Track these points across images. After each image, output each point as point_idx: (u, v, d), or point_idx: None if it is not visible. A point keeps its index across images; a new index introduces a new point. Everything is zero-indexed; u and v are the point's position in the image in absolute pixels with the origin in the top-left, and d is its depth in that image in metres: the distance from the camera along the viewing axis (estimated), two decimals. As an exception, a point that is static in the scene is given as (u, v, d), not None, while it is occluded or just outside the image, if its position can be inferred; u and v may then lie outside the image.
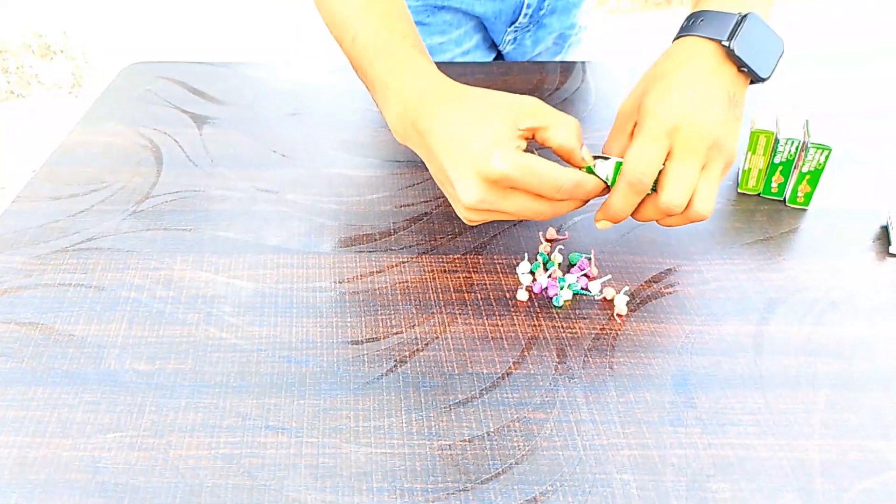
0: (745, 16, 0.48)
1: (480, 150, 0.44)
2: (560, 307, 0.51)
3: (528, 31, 0.87)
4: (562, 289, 0.51)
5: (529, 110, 0.46)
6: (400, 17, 0.53)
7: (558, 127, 0.46)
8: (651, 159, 0.46)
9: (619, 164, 0.47)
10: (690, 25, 0.50)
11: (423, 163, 0.67)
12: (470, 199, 0.45)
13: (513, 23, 0.85)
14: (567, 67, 0.84)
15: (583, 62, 0.86)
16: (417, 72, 0.50)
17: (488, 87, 0.80)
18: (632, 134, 0.50)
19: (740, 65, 0.48)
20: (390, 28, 0.52)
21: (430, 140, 0.47)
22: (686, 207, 0.47)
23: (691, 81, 0.47)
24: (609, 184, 0.48)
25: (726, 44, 0.47)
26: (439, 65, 0.83)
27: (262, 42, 2.68)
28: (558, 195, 0.45)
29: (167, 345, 0.48)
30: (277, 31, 2.74)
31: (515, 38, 0.88)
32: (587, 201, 0.48)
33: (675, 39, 0.51)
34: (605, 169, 0.48)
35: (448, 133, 0.46)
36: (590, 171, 0.48)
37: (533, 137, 0.47)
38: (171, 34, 2.69)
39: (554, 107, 0.71)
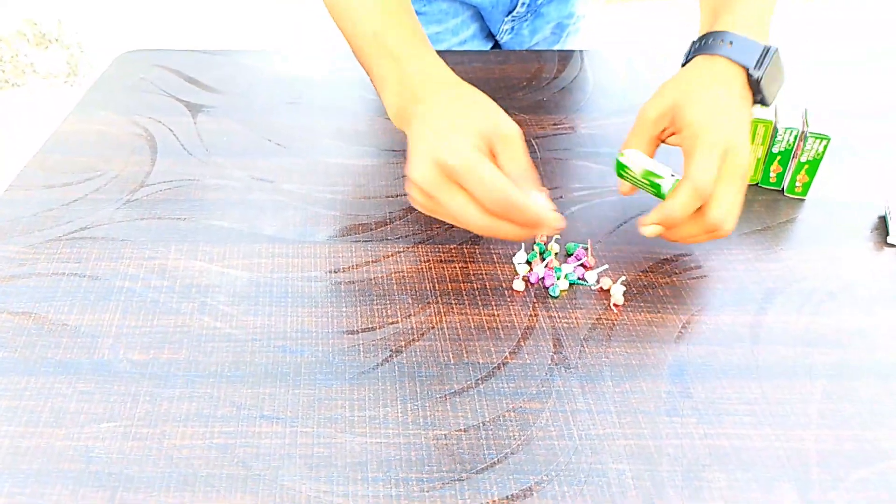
0: (768, 48, 0.51)
1: (441, 139, 0.45)
2: (556, 297, 0.51)
3: (526, 20, 0.87)
4: (558, 279, 0.51)
5: (504, 137, 0.46)
6: (400, 3, 0.55)
7: (511, 168, 0.46)
8: (714, 172, 0.48)
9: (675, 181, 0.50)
10: (717, 45, 0.52)
11: (419, 152, 0.66)
12: (414, 175, 0.46)
13: (510, 12, 0.84)
14: (565, 56, 0.83)
15: (581, 51, 0.85)
16: (420, 56, 0.52)
17: (486, 77, 0.80)
18: (658, 138, 0.53)
19: (757, 92, 0.52)
20: (391, 13, 0.53)
21: (414, 123, 0.48)
22: None
23: (732, 106, 0.50)
24: (661, 196, 0.50)
25: (753, 73, 0.50)
26: (442, 52, 0.82)
27: (258, 30, 2.66)
28: (492, 206, 0.44)
29: (161, 334, 0.48)
30: (273, 20, 2.72)
31: (513, 28, 0.87)
32: (532, 233, 0.46)
33: (699, 55, 0.53)
34: (667, 184, 0.50)
35: (429, 119, 0.47)
36: (653, 186, 0.51)
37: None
38: (166, 23, 2.67)
39: (552, 96, 0.70)
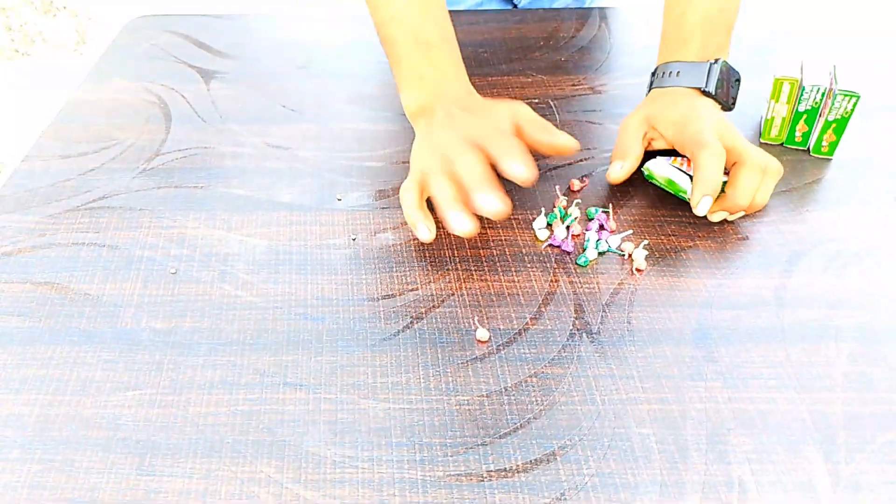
0: (712, 64, 0.56)
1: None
2: (585, 266, 0.50)
3: None
4: (585, 249, 0.50)
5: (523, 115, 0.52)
6: (437, 7, 0.56)
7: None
8: (750, 149, 0.52)
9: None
10: (667, 77, 0.58)
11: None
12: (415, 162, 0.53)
13: None
14: (583, 14, 0.81)
15: (599, 9, 0.83)
16: (443, 72, 0.55)
17: (502, 37, 0.78)
18: (643, 144, 0.57)
19: (716, 100, 0.57)
20: (425, 17, 0.55)
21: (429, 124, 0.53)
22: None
23: (699, 104, 0.55)
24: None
25: (705, 89, 0.56)
26: (453, 14, 0.80)
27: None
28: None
29: (183, 303, 0.48)
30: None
31: None
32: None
33: (655, 88, 0.59)
34: (688, 186, 0.53)
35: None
36: (677, 191, 0.54)
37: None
38: (173, -12, 2.63)
39: (570, 56, 0.69)
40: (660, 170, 0.53)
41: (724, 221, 0.53)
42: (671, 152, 0.57)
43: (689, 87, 0.57)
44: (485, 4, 0.85)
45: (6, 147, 1.92)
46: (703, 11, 0.57)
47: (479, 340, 0.45)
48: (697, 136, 0.52)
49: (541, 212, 0.54)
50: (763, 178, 0.51)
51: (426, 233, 0.49)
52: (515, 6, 0.88)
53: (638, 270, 0.50)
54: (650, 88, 0.60)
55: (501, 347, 0.45)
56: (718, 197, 0.51)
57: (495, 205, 0.45)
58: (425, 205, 0.51)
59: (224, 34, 0.79)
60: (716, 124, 0.53)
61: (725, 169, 0.52)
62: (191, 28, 0.80)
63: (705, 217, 0.53)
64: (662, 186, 0.54)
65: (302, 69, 0.73)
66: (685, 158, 0.55)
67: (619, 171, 0.55)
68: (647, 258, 0.50)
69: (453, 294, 0.48)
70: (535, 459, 0.38)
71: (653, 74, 0.60)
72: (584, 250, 0.51)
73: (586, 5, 0.90)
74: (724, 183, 0.52)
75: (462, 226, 0.46)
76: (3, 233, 0.53)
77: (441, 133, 0.51)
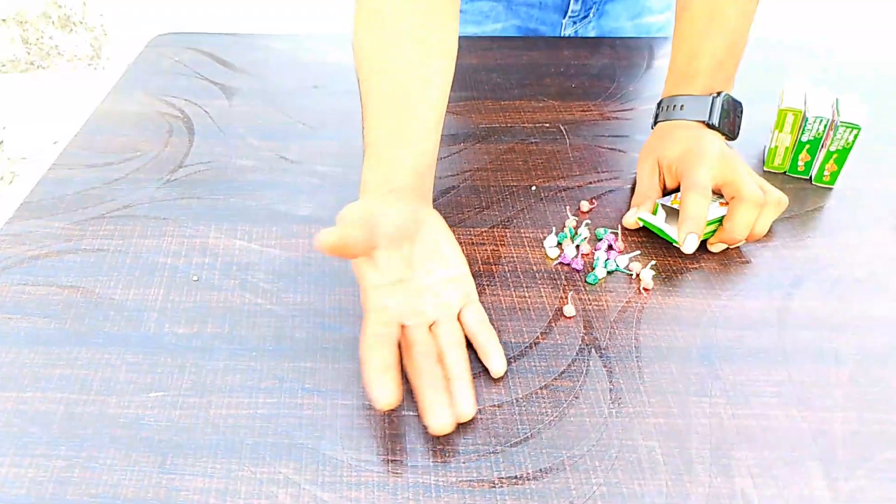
0: (715, 98, 0.58)
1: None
2: (594, 284, 0.52)
3: (590, 21, 0.84)
4: (595, 267, 0.52)
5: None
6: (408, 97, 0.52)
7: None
8: (751, 183, 0.54)
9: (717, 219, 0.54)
10: (671, 111, 0.60)
11: (450, 136, 0.67)
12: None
13: (566, 12, 0.82)
14: (592, 44, 0.84)
15: (608, 38, 0.85)
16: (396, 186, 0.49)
17: (514, 63, 0.80)
18: (660, 188, 0.58)
19: (720, 132, 0.58)
20: (397, 115, 0.52)
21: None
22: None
23: (702, 135, 0.57)
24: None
25: (709, 122, 0.58)
26: (471, 40, 0.83)
27: (275, 12, 2.67)
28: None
29: (204, 309, 0.49)
30: (291, 2, 2.73)
31: (576, 32, 0.85)
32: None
33: (659, 122, 0.61)
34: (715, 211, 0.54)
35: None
36: (662, 233, 0.55)
37: None
38: (186, 5, 2.69)
39: (580, 83, 0.71)
40: (651, 219, 0.55)
41: (727, 247, 0.55)
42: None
43: (693, 120, 0.58)
44: (505, 31, 0.87)
45: (19, 155, 1.95)
46: (715, 49, 0.59)
47: None
48: (688, 176, 0.54)
49: (551, 231, 0.56)
50: (761, 212, 0.53)
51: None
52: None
53: (645, 290, 0.51)
54: (656, 120, 0.62)
55: (513, 360, 0.46)
56: (718, 229, 0.53)
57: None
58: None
59: (245, 53, 0.81)
60: (717, 158, 0.54)
61: (726, 202, 0.54)
62: (213, 46, 0.83)
63: (705, 246, 0.55)
64: (654, 231, 0.56)
65: (319, 88, 0.75)
66: None
67: (636, 216, 0.56)
68: (654, 278, 0.52)
69: (466, 308, 0.50)
70: (545, 468, 0.40)
71: (658, 106, 0.62)
72: (593, 269, 0.53)
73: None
74: (724, 216, 0.53)
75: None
76: (30, 237, 0.55)
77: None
